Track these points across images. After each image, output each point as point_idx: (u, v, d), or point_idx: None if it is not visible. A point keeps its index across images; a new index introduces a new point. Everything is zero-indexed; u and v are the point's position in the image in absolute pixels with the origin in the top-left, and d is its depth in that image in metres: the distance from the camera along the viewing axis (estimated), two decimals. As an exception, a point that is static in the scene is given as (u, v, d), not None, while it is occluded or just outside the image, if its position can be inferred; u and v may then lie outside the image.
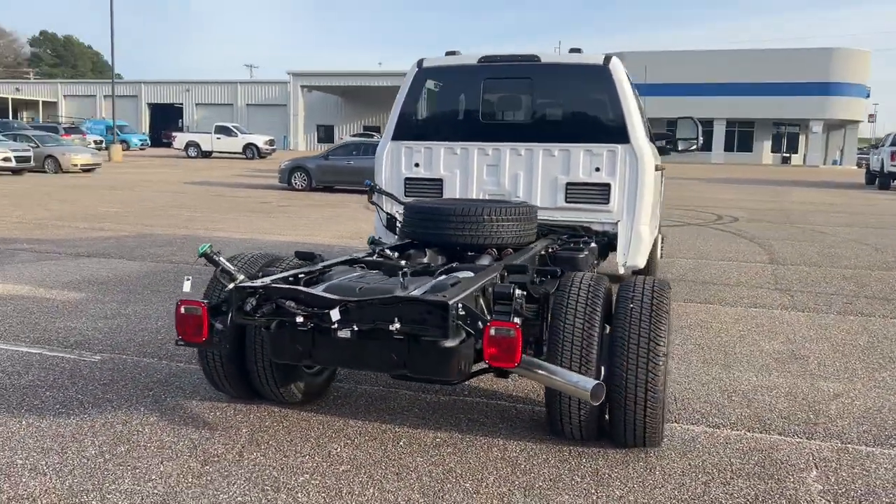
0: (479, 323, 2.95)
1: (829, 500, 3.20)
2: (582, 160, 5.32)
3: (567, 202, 5.40)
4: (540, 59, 5.39)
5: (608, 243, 5.43)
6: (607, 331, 3.57)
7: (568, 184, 5.37)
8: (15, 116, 57.16)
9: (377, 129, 48.65)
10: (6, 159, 23.57)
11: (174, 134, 44.21)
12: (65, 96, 66.13)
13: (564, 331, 3.40)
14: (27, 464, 3.38)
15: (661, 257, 8.46)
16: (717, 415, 4.19)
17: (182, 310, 3.22)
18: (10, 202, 15.86)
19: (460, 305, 2.98)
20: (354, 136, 40.80)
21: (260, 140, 41.62)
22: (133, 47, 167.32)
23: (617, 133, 5.22)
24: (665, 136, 7.11)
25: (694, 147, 6.99)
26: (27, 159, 24.55)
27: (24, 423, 3.87)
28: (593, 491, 3.24)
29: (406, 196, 5.67)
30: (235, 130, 42.10)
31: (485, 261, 4.30)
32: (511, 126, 5.55)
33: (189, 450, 3.57)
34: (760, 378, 4.86)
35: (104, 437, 3.70)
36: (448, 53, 5.71)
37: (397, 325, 2.96)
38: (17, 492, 3.12)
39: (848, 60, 51.67)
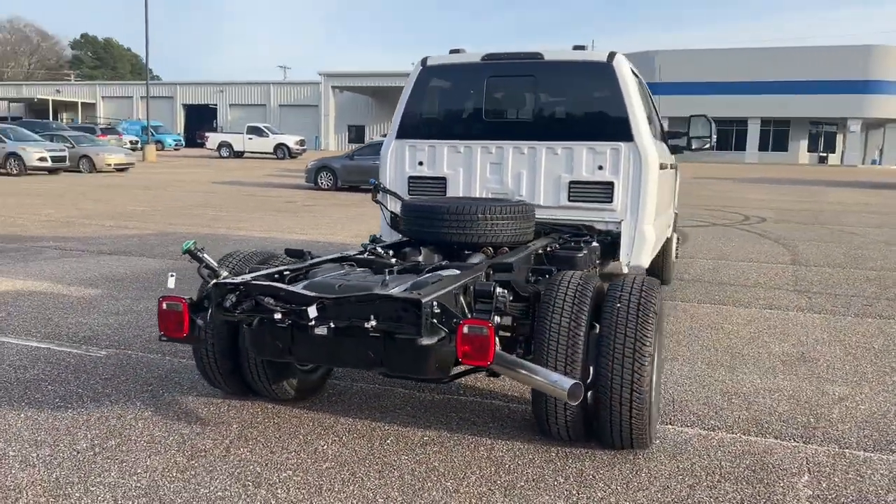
0: (454, 321, 2.93)
1: (817, 506, 3.13)
2: (585, 158, 5.26)
3: (570, 201, 5.35)
4: (543, 57, 5.35)
5: (612, 242, 5.37)
6: (597, 330, 3.53)
7: (571, 182, 5.32)
8: (55, 117, 58.45)
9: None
10: (42, 159, 24.12)
11: (207, 134, 44.83)
12: (103, 97, 67.48)
13: (550, 330, 3.37)
14: (19, 455, 3.45)
15: (677, 258, 8.35)
16: (713, 417, 4.11)
17: (164, 306, 3.26)
18: (44, 201, 16.23)
19: (435, 303, 2.97)
20: (384, 136, 40.95)
21: (291, 140, 42.02)
22: (171, 49, 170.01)
23: (620, 131, 5.16)
24: (678, 134, 7.01)
25: (707, 146, 6.89)
26: (62, 159, 25.09)
27: (22, 415, 3.95)
28: (575, 492, 3.20)
29: (410, 195, 5.68)
30: (267, 131, 42.56)
31: (477, 259, 4.28)
32: (514, 124, 5.52)
33: (178, 444, 3.62)
34: (764, 381, 4.77)
35: (97, 430, 3.76)
36: (452, 51, 5.69)
37: (373, 323, 2.96)
38: (5, 483, 3.18)
39: (887, 57, 50.44)
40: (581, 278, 3.57)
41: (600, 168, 5.24)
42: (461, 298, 3.24)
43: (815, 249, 10.82)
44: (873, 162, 53.76)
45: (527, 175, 5.41)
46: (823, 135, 54.34)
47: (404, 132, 5.71)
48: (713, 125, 6.78)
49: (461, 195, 5.57)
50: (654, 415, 3.62)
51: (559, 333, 3.36)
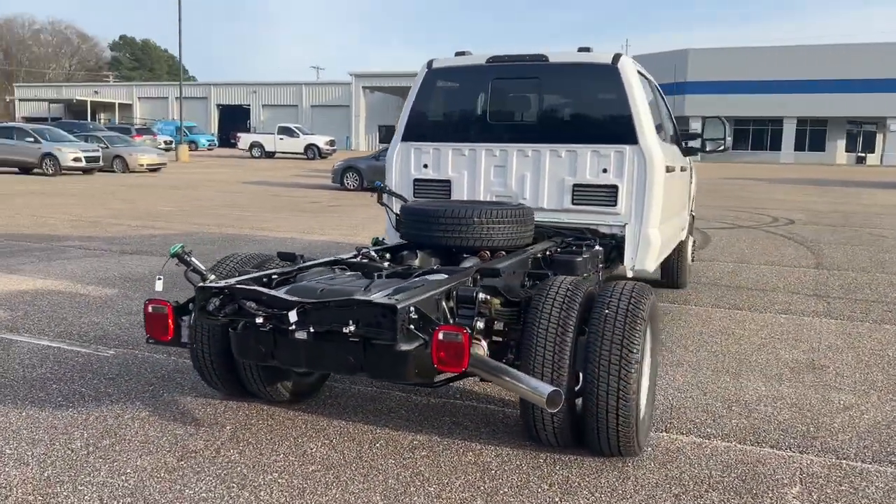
0: (432, 327, 2.93)
1: (805, 519, 3.07)
2: (589, 161, 5.22)
3: (574, 204, 5.31)
4: (548, 59, 5.31)
5: (616, 246, 5.32)
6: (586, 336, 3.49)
7: (575, 185, 5.28)
8: (93, 118, 59.64)
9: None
10: (76, 159, 24.62)
11: (239, 135, 45.37)
12: (139, 98, 68.68)
13: (537, 335, 3.35)
14: (14, 453, 3.53)
15: (693, 261, 8.23)
16: (711, 425, 4.05)
17: (149, 309, 3.31)
18: (75, 200, 16.56)
19: (413, 309, 2.97)
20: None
21: (321, 140, 42.33)
22: (207, 51, 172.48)
23: (625, 133, 5.11)
24: (692, 136, 6.92)
25: (722, 148, 6.79)
26: (96, 159, 25.58)
27: (23, 414, 4.04)
28: (558, 499, 3.18)
29: (415, 197, 5.68)
30: (297, 131, 42.94)
31: (470, 263, 4.27)
32: (518, 127, 5.49)
33: (170, 445, 3.67)
34: (769, 388, 4.68)
35: (93, 430, 3.83)
36: (458, 54, 5.68)
37: (352, 328, 2.97)
38: (-2, 480, 3.26)
39: (929, 55, 49.22)
40: (571, 284, 3.54)
41: (604, 171, 5.19)
42: (443, 304, 3.23)
43: (840, 253, 10.59)
44: (914, 162, 52.49)
45: (531, 178, 5.38)
46: (862, 134, 53.13)
47: (410, 135, 5.72)
48: (727, 127, 6.68)
49: (465, 198, 5.56)
50: (642, 422, 3.57)
51: (546, 339, 3.33)
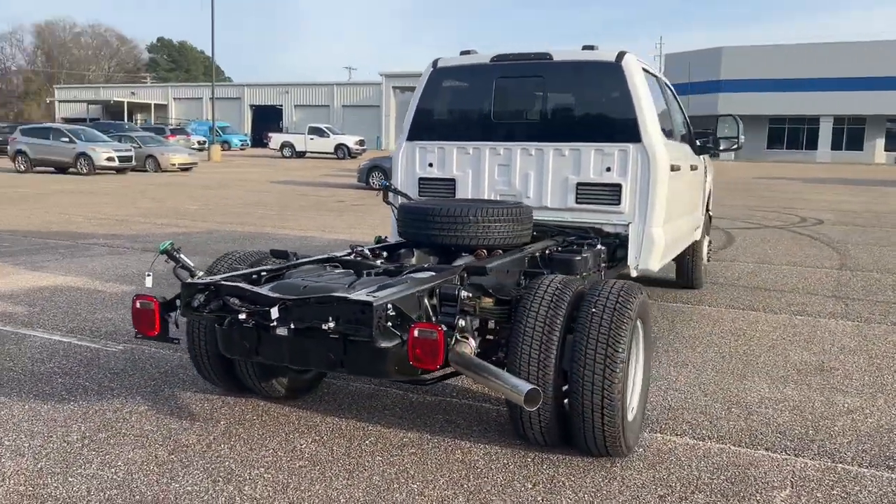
0: (409, 324, 2.94)
1: (791, 523, 3.01)
2: (592, 160, 5.18)
3: (577, 203, 5.27)
4: (552, 57, 5.28)
5: (621, 245, 5.27)
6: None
7: (578, 184, 5.24)
8: (130, 118, 60.75)
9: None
10: (110, 159, 25.11)
11: (270, 135, 45.87)
12: (174, 99, 69.80)
13: (524, 334, 3.33)
14: (12, 445, 3.61)
15: (709, 261, 8.12)
16: (707, 427, 4.00)
17: (137, 304, 3.37)
18: (107, 199, 16.89)
19: (390, 306, 2.97)
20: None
21: (350, 140, 42.62)
22: (242, 52, 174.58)
23: (628, 132, 5.06)
24: (705, 134, 6.83)
25: (735, 146, 6.69)
26: (129, 159, 26.06)
27: (26, 407, 4.13)
28: (540, 499, 3.16)
29: (420, 196, 5.69)
30: (327, 131, 43.28)
31: (462, 262, 4.26)
32: (522, 125, 5.46)
33: (163, 439, 3.72)
34: (772, 390, 4.60)
35: (91, 423, 3.90)
36: (463, 53, 5.68)
37: (331, 325, 2.98)
38: (-8, 471, 3.34)
39: (973, 51, 47.92)
40: (560, 282, 3.52)
41: (608, 169, 5.14)
42: (425, 301, 3.23)
43: (867, 253, 10.36)
44: (957, 161, 51.14)
45: (534, 176, 5.36)
46: (902, 133, 51.98)
47: (415, 134, 5.73)
48: (740, 125, 6.58)
49: (470, 196, 5.55)
50: (632, 422, 3.54)
51: (532, 337, 3.32)
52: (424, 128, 5.70)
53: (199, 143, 43.88)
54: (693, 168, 6.28)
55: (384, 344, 2.99)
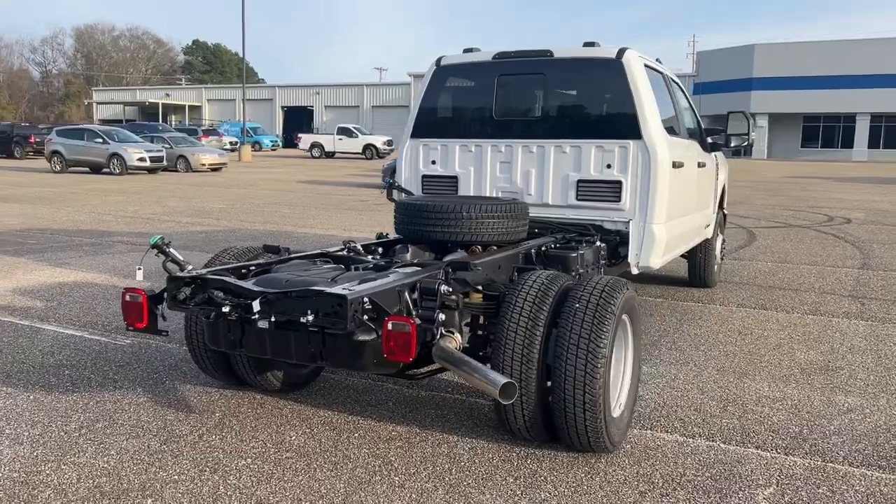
0: (384, 317, 2.97)
1: (771, 520, 2.98)
2: (593, 157, 5.17)
3: (578, 200, 5.26)
4: (553, 54, 5.28)
5: (621, 243, 5.25)
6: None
7: (579, 181, 5.23)
8: (164, 120, 61.78)
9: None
10: (141, 159, 25.57)
11: (300, 135, 46.34)
12: (208, 100, 70.81)
13: (508, 328, 3.35)
14: (13, 433, 3.72)
15: (722, 259, 8.02)
16: (699, 424, 3.97)
17: (127, 297, 3.45)
18: (135, 198, 17.21)
19: (366, 299, 3.01)
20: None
21: (378, 140, 42.87)
22: (274, 53, 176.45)
23: (628, 128, 5.04)
24: (716, 131, 6.76)
25: (746, 143, 6.62)
26: (160, 159, 26.50)
27: (31, 397, 4.25)
28: (519, 493, 3.17)
29: (424, 193, 5.73)
30: (356, 131, 43.59)
31: (451, 257, 4.28)
32: (523, 122, 5.47)
33: (158, 429, 3.80)
34: (772, 389, 4.55)
35: (90, 413, 4.01)
36: (466, 51, 5.71)
37: (310, 318, 3.03)
38: (-10, 458, 3.45)
39: None
40: (546, 278, 3.53)
41: (608, 166, 5.13)
42: (405, 296, 3.26)
43: (891, 253, 10.16)
44: None
45: (535, 174, 5.36)
46: (943, 131, 50.70)
47: (419, 131, 5.77)
48: (751, 121, 6.50)
49: (472, 194, 5.57)
50: (618, 419, 3.54)
51: (517, 332, 3.34)
52: (428, 125, 5.74)
53: (230, 143, 44.42)
54: (701, 165, 6.23)
55: (362, 337, 3.03)
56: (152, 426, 3.85)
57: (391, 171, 21.70)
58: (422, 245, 4.63)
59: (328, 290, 3.03)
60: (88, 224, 12.46)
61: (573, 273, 4.57)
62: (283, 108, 68.09)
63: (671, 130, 5.47)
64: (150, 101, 64.68)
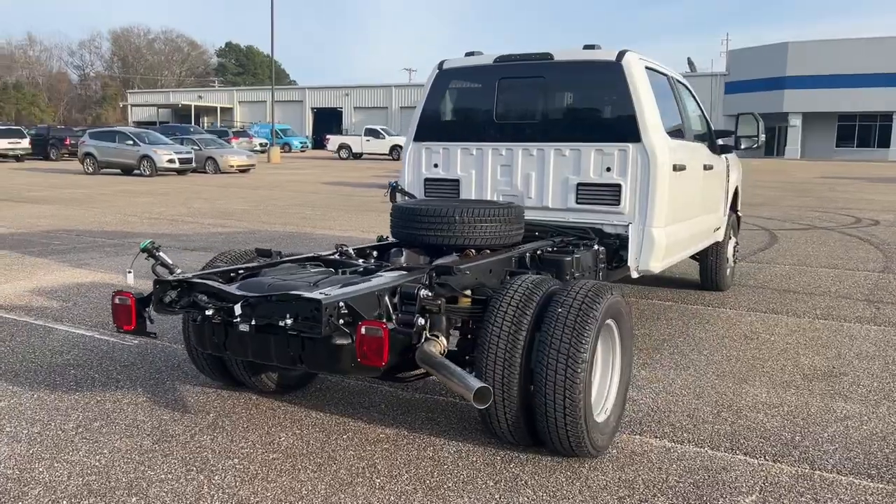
0: (358, 322, 3.01)
1: (748, 528, 2.96)
2: (592, 160, 5.15)
3: (578, 203, 5.25)
4: (553, 58, 5.28)
5: (621, 246, 5.22)
6: None
7: (579, 184, 5.22)
8: (197, 122, 62.72)
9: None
10: (170, 161, 26.01)
11: (328, 137, 46.72)
12: (239, 102, 71.76)
13: (491, 332, 3.37)
14: (13, 431, 3.83)
15: (735, 263, 7.93)
16: (689, 430, 3.94)
17: (116, 300, 3.53)
18: (161, 200, 17.50)
19: (342, 303, 3.05)
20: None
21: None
22: (306, 55, 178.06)
23: (628, 131, 5.02)
24: (726, 133, 6.70)
25: (755, 145, 6.54)
26: (189, 161, 26.93)
27: (34, 396, 4.37)
28: (497, 497, 3.19)
29: (426, 196, 5.76)
30: (383, 133, 43.81)
31: (442, 261, 4.31)
32: (524, 126, 5.47)
33: (151, 429, 3.89)
34: (770, 395, 4.50)
35: (89, 412, 4.10)
36: (468, 54, 5.73)
37: (288, 321, 3.08)
38: (-13, 455, 3.55)
39: None
40: (531, 282, 3.54)
41: (608, 170, 5.11)
42: (385, 300, 3.30)
43: (915, 256, 9.95)
44: None
45: (535, 177, 5.37)
46: (984, 129, 49.38)
47: (421, 135, 5.81)
48: (760, 123, 6.43)
49: (473, 197, 5.59)
50: (602, 424, 3.53)
51: (500, 336, 3.35)
52: (430, 129, 5.77)
53: (260, 145, 44.94)
54: (708, 167, 6.17)
55: (339, 341, 3.06)
56: (147, 425, 3.93)
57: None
58: (416, 249, 4.66)
59: (305, 294, 3.08)
60: (113, 225, 12.71)
61: (568, 277, 4.57)
62: (312, 109, 68.71)
63: (675, 133, 5.43)
64: (183, 103, 65.74)
